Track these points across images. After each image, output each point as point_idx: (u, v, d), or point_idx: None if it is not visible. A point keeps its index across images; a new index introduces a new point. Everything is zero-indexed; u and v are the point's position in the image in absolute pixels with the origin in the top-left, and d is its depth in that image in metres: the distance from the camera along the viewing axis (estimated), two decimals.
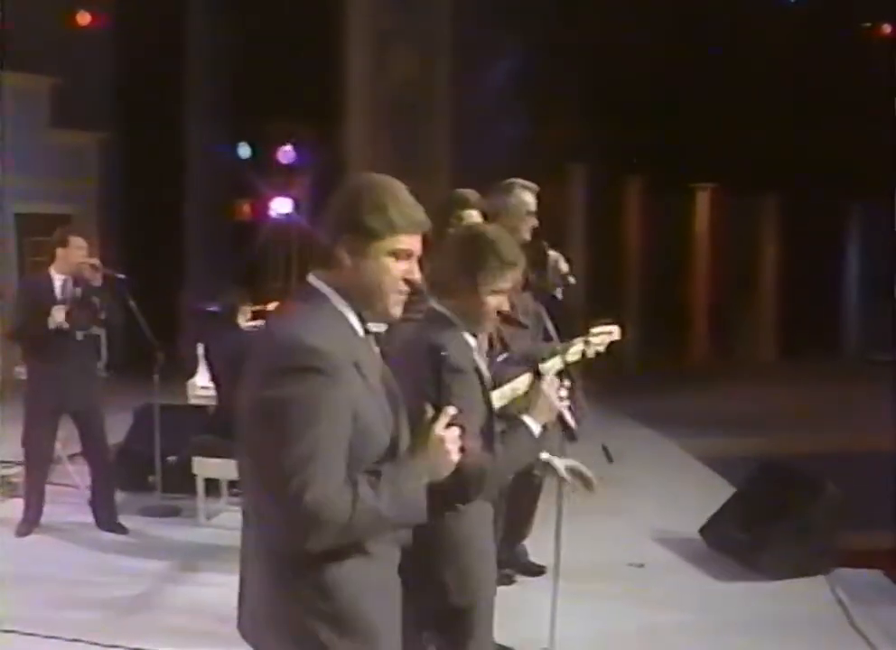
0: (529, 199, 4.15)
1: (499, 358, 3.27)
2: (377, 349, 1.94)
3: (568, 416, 2.57)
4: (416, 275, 1.87)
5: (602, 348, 3.78)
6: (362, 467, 1.74)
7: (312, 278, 1.86)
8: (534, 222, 4.17)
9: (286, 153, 12.03)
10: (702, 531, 5.34)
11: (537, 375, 2.62)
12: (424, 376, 2.06)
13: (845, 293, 15.14)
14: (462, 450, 1.88)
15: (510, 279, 2.48)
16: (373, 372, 1.83)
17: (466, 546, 2.42)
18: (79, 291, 5.18)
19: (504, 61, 12.11)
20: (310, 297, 1.83)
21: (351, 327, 1.84)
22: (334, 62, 10.91)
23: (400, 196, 1.86)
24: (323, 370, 1.67)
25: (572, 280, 4.16)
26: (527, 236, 4.17)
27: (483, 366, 2.49)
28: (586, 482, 2.77)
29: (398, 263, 1.84)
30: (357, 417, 1.73)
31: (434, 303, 2.49)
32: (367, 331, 1.88)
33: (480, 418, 2.40)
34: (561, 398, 2.52)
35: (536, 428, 2.46)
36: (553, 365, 3.56)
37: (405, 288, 1.86)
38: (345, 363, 1.72)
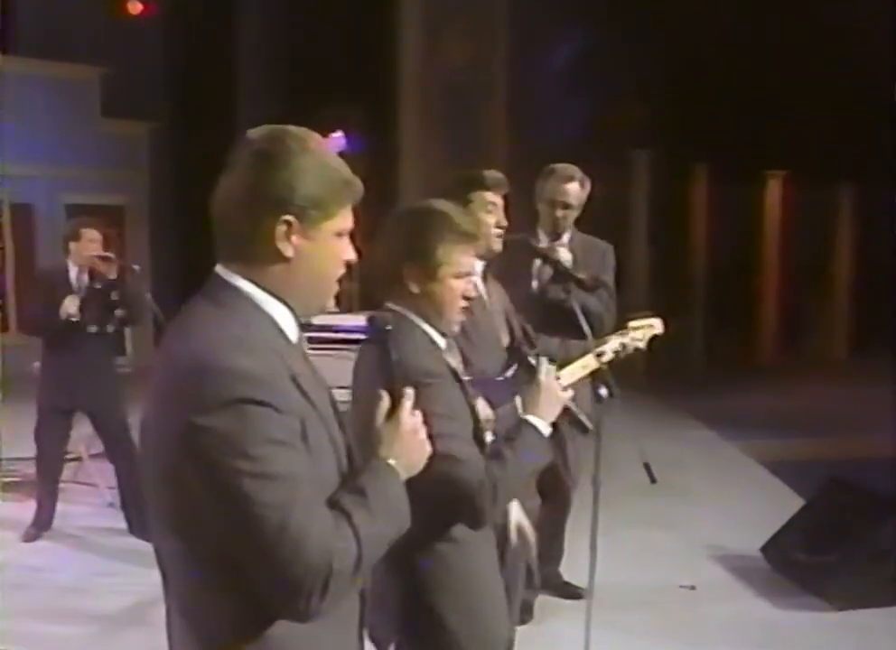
0: (557, 186, 3.81)
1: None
2: (309, 353, 1.60)
3: (575, 408, 2.27)
4: (354, 255, 1.55)
5: (642, 344, 3.35)
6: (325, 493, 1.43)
7: (223, 271, 1.47)
8: (560, 213, 3.80)
9: (336, 141, 11.78)
10: (763, 549, 4.93)
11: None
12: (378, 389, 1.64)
13: None
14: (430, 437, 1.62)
15: (471, 255, 2.11)
16: (312, 384, 1.49)
17: (471, 584, 2.09)
18: (94, 284, 5.01)
19: (564, 43, 11.77)
20: (224, 297, 1.45)
21: (281, 332, 1.48)
22: (386, 44, 10.68)
23: (332, 157, 1.50)
24: (262, 399, 1.32)
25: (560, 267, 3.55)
26: (553, 225, 3.83)
27: (460, 368, 2.15)
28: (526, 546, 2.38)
29: (342, 242, 1.51)
30: (305, 440, 1.40)
31: (389, 303, 2.11)
32: (300, 331, 1.54)
33: (467, 424, 2.07)
34: (564, 388, 2.21)
35: (545, 428, 2.14)
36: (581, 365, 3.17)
37: (342, 272, 1.53)
38: (282, 380, 1.39)
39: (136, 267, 5.49)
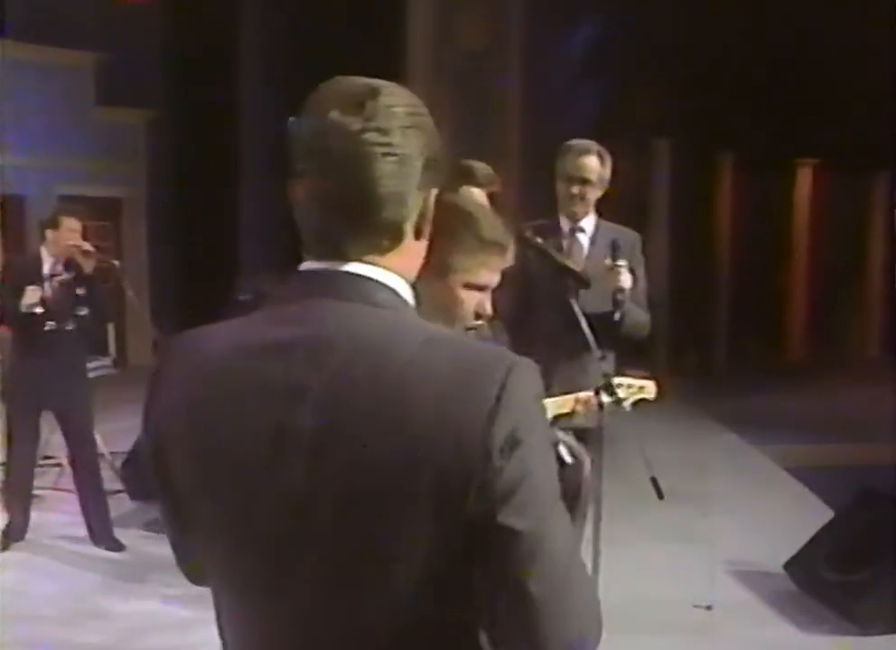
0: (574, 160, 3.49)
1: None
2: None
3: (563, 439, 1.83)
4: None
5: (627, 406, 2.86)
6: None
7: (363, 269, 1.15)
8: (577, 189, 3.48)
9: None
10: (787, 566, 4.56)
11: None
12: None
13: None
14: None
15: (493, 268, 1.83)
16: None
17: None
18: (67, 277, 4.79)
19: (581, 27, 11.51)
20: (383, 300, 1.15)
21: None
22: (395, 30, 10.39)
23: None
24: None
25: (620, 296, 3.27)
26: (570, 204, 3.51)
27: None
28: None
29: None
30: None
31: None
32: None
33: None
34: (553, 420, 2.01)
35: None
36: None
37: None
38: None
39: (116, 263, 5.39)
